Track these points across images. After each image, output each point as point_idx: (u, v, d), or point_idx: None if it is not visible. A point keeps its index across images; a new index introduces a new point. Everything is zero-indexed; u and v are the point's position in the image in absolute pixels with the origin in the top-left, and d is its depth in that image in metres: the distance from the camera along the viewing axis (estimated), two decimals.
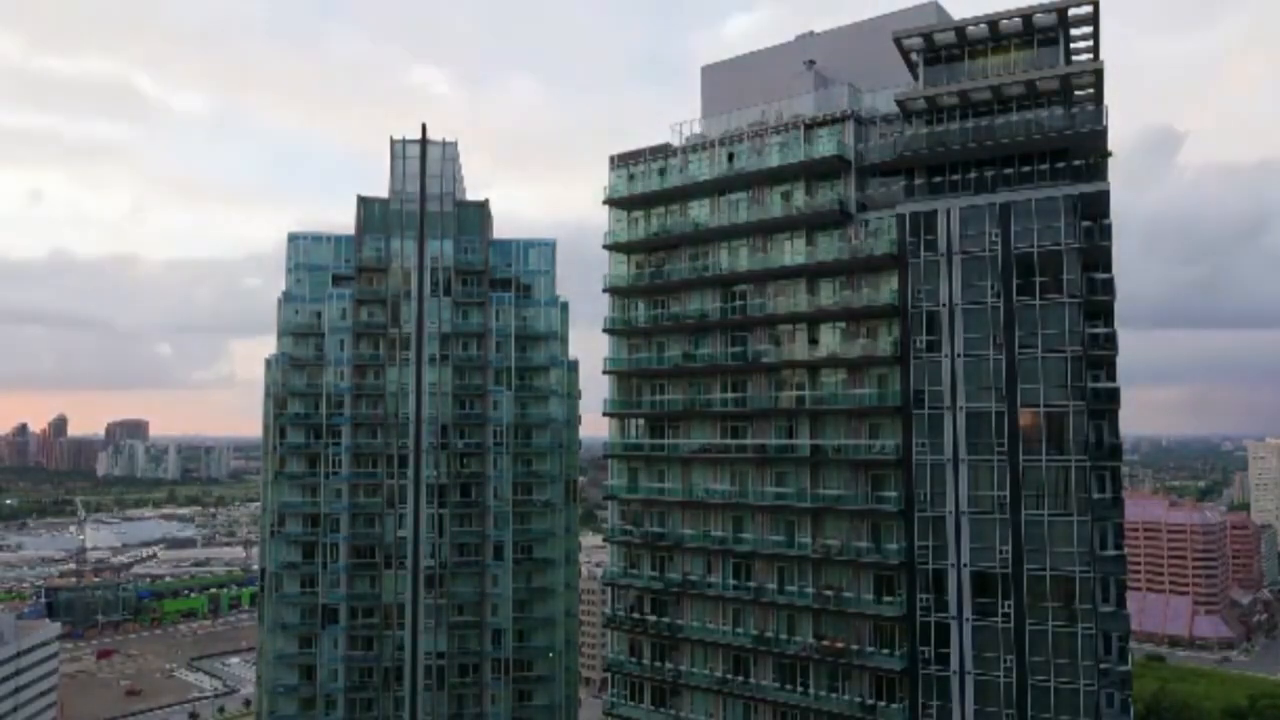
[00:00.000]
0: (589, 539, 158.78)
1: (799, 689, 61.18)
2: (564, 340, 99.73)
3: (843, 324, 62.57)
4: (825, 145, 62.62)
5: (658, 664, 67.61)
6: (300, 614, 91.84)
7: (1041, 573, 53.35)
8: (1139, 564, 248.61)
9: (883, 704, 57.73)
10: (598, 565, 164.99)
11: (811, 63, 67.80)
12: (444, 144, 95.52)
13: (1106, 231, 55.67)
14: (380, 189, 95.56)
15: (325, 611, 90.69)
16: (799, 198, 64.25)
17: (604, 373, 73.03)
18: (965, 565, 55.20)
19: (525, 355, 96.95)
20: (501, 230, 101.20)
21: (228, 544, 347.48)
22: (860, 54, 65.89)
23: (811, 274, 63.67)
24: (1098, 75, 55.03)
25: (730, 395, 66.74)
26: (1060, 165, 55.26)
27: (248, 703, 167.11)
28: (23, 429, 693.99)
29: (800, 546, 61.81)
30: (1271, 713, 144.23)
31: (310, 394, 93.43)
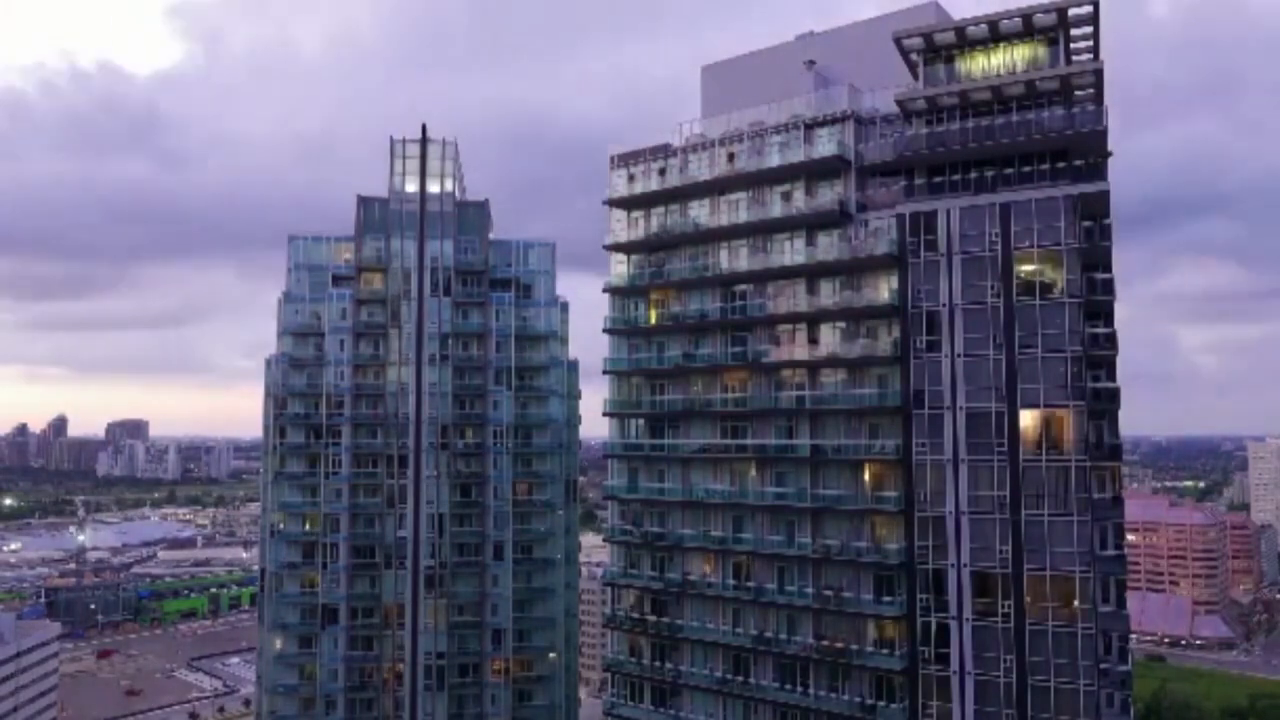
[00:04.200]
0: (589, 539, 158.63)
1: (799, 689, 61.18)
2: (564, 340, 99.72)
3: (843, 324, 62.57)
4: (825, 145, 62.65)
5: (658, 664, 67.59)
6: (300, 614, 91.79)
7: (1041, 573, 53.33)
8: (1139, 564, 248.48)
9: (883, 704, 57.73)
10: (598, 565, 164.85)
11: (811, 63, 67.80)
12: (444, 143, 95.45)
13: (1106, 231, 55.77)
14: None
15: (325, 611, 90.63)
16: (799, 198, 64.27)
17: (604, 373, 73.05)
18: (965, 565, 55.19)
19: (525, 355, 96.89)
20: None
21: (228, 544, 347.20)
22: (860, 54, 65.91)
23: (811, 274, 63.68)
24: (1098, 75, 55.03)
25: (730, 395, 66.75)
26: (1060, 165, 55.28)
27: (248, 703, 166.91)
28: (23, 429, 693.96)
29: (800, 546, 61.80)
30: (1271, 713, 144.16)
31: (310, 394, 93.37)
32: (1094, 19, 55.33)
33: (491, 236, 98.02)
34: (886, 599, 58.15)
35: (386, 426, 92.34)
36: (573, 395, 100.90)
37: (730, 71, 73.80)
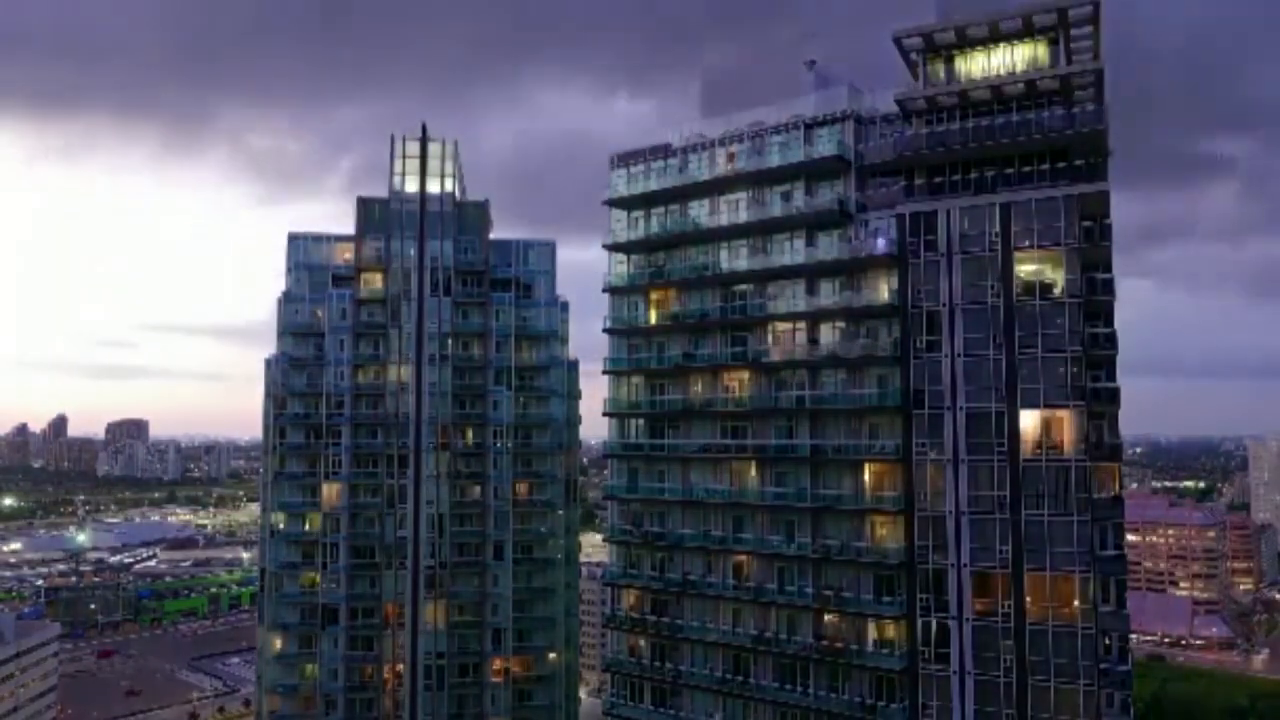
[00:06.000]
0: (589, 539, 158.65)
1: (799, 689, 61.17)
2: (564, 340, 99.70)
3: (843, 324, 62.60)
4: (825, 145, 62.64)
5: (657, 664, 67.59)
6: (300, 614, 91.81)
7: (1041, 573, 53.33)
8: (1139, 564, 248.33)
9: (883, 704, 57.72)
10: (598, 565, 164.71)
11: (812, 63, 67.81)
12: (444, 142, 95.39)
13: (1106, 231, 55.71)
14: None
15: (325, 611, 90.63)
16: (799, 198, 64.27)
17: (604, 373, 73.06)
18: (965, 565, 55.18)
19: (525, 355, 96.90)
20: None
21: (228, 544, 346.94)
22: (860, 54, 66.01)
23: (811, 274, 63.68)
24: (1098, 75, 55.02)
25: (730, 395, 66.72)
26: (1060, 165, 55.24)
27: (248, 703, 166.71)
28: (23, 429, 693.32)
29: (800, 546, 61.78)
30: (1272, 713, 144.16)
31: (310, 394, 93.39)
32: (1094, 19, 55.28)
33: (491, 236, 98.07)
34: (886, 599, 58.13)
35: (386, 426, 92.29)
36: (573, 395, 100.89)
37: (730, 71, 74.00)
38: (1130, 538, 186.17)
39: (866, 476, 60.42)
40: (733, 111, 68.17)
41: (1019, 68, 57.19)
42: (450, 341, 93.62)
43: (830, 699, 59.73)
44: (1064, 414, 53.74)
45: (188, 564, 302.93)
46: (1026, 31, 56.72)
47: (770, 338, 65.47)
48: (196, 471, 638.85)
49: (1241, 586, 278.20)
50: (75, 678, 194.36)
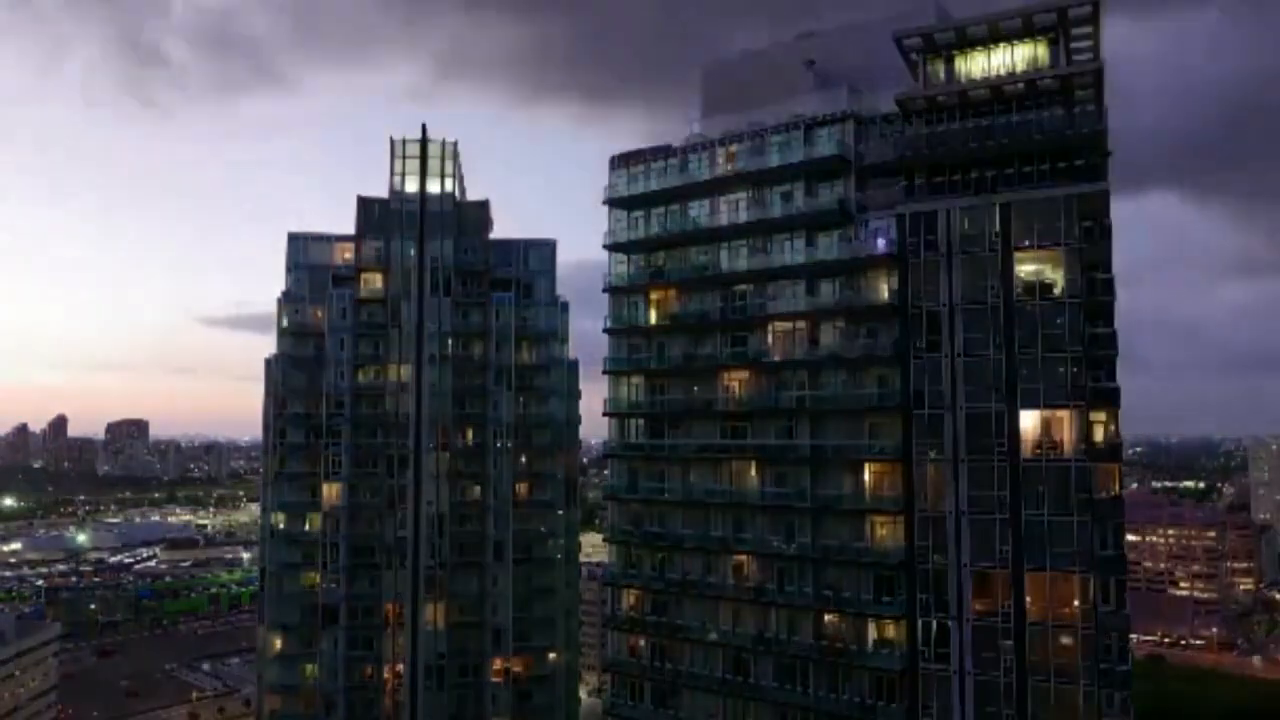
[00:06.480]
0: (589, 539, 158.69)
1: (799, 689, 61.18)
2: (564, 340, 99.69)
3: (843, 324, 62.59)
4: (825, 145, 62.63)
5: (658, 663, 67.60)
6: (300, 614, 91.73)
7: (1041, 573, 53.34)
8: (1139, 564, 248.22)
9: (883, 704, 57.73)
10: (598, 565, 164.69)
11: (811, 63, 67.76)
12: (444, 143, 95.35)
13: (1106, 231, 55.68)
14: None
15: (325, 611, 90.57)
16: (799, 198, 64.27)
17: (604, 373, 73.10)
18: (965, 565, 55.19)
19: (525, 355, 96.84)
20: None
21: (228, 544, 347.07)
22: (860, 54, 65.87)
23: (811, 274, 63.70)
24: (1098, 75, 55.02)
25: (730, 395, 66.73)
26: (1060, 165, 55.24)
27: (248, 703, 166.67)
28: (23, 429, 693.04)
29: (800, 547, 61.79)
30: (1272, 713, 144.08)
31: (310, 394, 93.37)
32: (1094, 19, 55.30)
33: (491, 236, 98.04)
34: (886, 599, 58.14)
35: (387, 426, 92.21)
36: (573, 395, 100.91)
37: (730, 71, 73.75)
38: (1130, 538, 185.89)
39: (866, 477, 60.44)
40: (733, 111, 68.14)
41: (1019, 68, 57.21)
42: (450, 341, 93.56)
43: (830, 699, 59.75)
44: (1064, 414, 53.74)
45: (188, 564, 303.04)
46: (1026, 31, 56.74)
47: (770, 338, 65.48)
48: (196, 471, 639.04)
49: (1241, 587, 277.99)
50: (75, 678, 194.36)
